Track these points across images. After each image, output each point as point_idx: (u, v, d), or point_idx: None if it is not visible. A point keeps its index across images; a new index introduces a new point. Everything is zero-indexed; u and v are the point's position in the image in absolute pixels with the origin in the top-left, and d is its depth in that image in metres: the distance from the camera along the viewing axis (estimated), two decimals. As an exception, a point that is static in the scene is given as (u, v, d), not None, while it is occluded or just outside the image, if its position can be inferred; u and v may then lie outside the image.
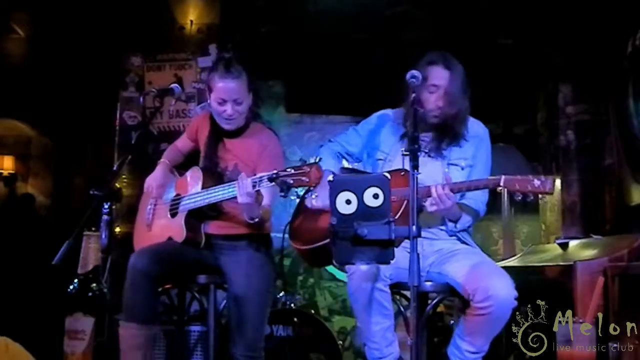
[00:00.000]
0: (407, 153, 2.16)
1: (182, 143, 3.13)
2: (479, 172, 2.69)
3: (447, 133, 2.70)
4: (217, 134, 2.91)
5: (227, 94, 2.76)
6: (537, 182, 2.39)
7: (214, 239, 2.84)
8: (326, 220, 2.61)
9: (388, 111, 2.88)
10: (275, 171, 2.42)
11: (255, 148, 2.83)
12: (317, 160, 2.40)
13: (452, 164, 2.68)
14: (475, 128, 2.77)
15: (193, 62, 5.32)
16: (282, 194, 2.41)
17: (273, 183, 2.43)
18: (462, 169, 2.68)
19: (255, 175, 2.68)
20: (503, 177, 2.43)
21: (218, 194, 2.69)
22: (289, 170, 2.39)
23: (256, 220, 2.65)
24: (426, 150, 2.64)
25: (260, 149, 2.82)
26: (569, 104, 4.95)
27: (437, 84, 2.63)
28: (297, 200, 3.00)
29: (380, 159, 2.78)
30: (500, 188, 4.17)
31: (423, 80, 2.54)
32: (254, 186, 2.51)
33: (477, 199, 2.68)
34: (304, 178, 2.36)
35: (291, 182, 2.37)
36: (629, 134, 4.08)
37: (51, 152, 5.84)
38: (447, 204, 2.44)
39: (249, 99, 2.84)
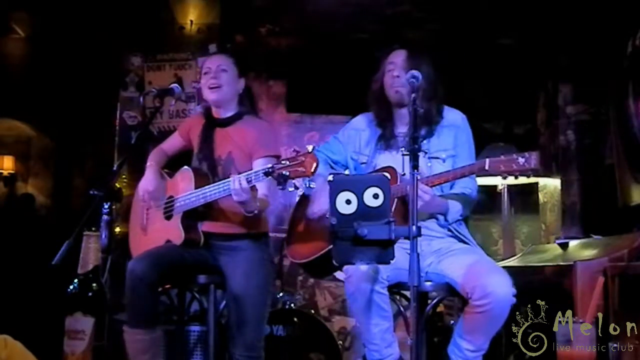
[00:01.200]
0: (407, 153, 2.16)
1: (169, 144, 3.11)
2: (462, 160, 2.66)
3: (421, 120, 2.68)
4: (211, 124, 2.93)
5: (212, 63, 2.90)
6: (521, 160, 2.38)
7: (212, 239, 2.83)
8: (320, 231, 2.62)
9: (365, 114, 2.90)
10: (270, 165, 2.41)
11: (250, 134, 2.83)
12: (310, 150, 2.38)
13: (433, 157, 2.67)
14: (452, 116, 2.75)
15: (193, 62, 5.33)
16: (280, 186, 2.39)
17: (269, 177, 2.41)
18: (444, 160, 2.66)
19: (251, 160, 2.69)
20: (488, 160, 2.42)
21: (214, 191, 2.67)
22: (284, 162, 2.38)
23: (255, 212, 2.64)
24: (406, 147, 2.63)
25: (256, 135, 2.81)
26: (569, 104, 4.95)
27: (393, 61, 2.72)
28: (298, 195, 2.98)
29: (363, 163, 2.79)
30: (500, 187, 4.18)
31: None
32: (249, 182, 2.50)
33: (466, 186, 2.67)
34: (300, 168, 2.34)
35: (287, 173, 2.36)
36: (629, 134, 4.08)
37: (51, 152, 5.84)
38: (425, 198, 2.43)
39: (237, 80, 2.90)
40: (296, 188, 2.42)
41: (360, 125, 2.88)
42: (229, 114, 2.92)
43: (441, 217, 2.63)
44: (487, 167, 2.42)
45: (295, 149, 2.42)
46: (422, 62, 2.68)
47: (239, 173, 2.59)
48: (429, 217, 2.65)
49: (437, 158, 2.67)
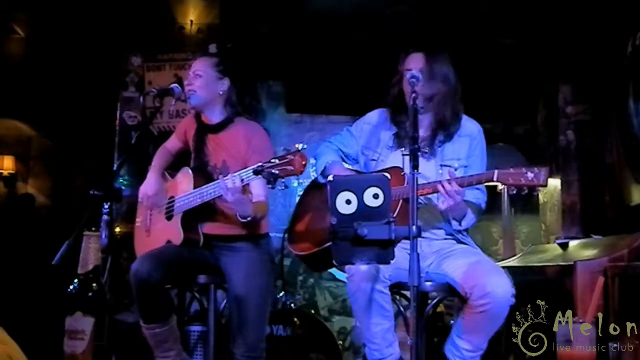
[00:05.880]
0: (408, 153, 2.15)
1: (172, 144, 3.12)
2: (474, 172, 2.63)
3: (439, 124, 2.68)
4: (202, 130, 2.93)
5: (191, 69, 2.92)
6: (530, 175, 2.38)
7: (212, 240, 2.84)
8: (324, 224, 2.62)
9: (381, 110, 2.87)
10: (259, 164, 2.40)
11: (241, 141, 2.82)
12: (300, 148, 2.37)
13: (444, 165, 2.66)
14: (469, 126, 2.74)
15: (193, 62, 5.32)
16: (270, 185, 2.39)
17: (259, 176, 2.41)
18: (456, 169, 2.64)
19: (244, 167, 2.69)
20: (496, 171, 2.42)
21: (210, 191, 2.68)
22: (273, 161, 2.37)
23: (249, 218, 2.63)
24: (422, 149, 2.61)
25: (246, 142, 2.80)
26: (569, 104, 4.95)
27: (410, 67, 2.64)
28: (297, 196, 2.98)
29: (373, 159, 2.77)
30: (500, 187, 4.15)
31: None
32: (241, 180, 2.49)
33: (476, 197, 2.67)
34: (289, 167, 2.33)
35: (277, 172, 2.35)
36: (629, 134, 4.08)
37: (51, 152, 5.84)
38: (457, 198, 2.43)
39: (215, 82, 2.88)
40: (286, 187, 2.42)
41: (374, 121, 2.85)
42: (218, 119, 2.90)
43: (454, 223, 2.62)
44: (495, 178, 2.42)
45: (285, 147, 2.42)
46: (441, 66, 2.66)
47: None
48: (438, 221, 2.65)
49: (449, 167, 2.66)
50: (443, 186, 2.42)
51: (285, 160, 2.34)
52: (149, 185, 2.93)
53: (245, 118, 2.92)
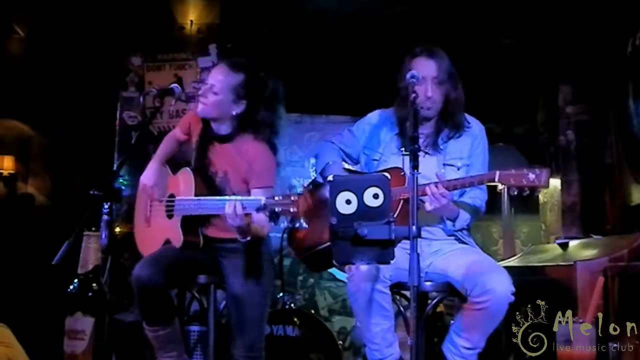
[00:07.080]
0: (407, 153, 2.15)
1: (179, 133, 3.04)
2: (475, 171, 2.66)
3: (446, 122, 2.68)
4: (207, 137, 2.87)
5: (210, 77, 2.77)
6: (531, 176, 2.38)
7: (212, 241, 2.83)
8: (323, 224, 2.62)
9: (382, 111, 2.87)
10: (263, 200, 2.39)
11: (243, 160, 2.77)
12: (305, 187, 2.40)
13: (447, 164, 2.66)
14: (471, 125, 2.75)
15: (193, 62, 5.34)
16: (272, 222, 2.40)
17: (261, 212, 2.40)
18: (458, 169, 2.65)
19: (245, 184, 2.70)
20: (498, 172, 2.43)
21: (211, 206, 2.65)
22: (277, 198, 2.36)
23: (248, 238, 2.60)
24: (424, 148, 2.61)
25: (248, 163, 2.75)
26: (569, 104, 4.95)
27: (423, 75, 2.60)
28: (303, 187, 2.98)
29: (375, 159, 2.77)
30: (500, 187, 4.16)
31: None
32: (244, 208, 2.47)
33: (476, 197, 2.67)
34: (291, 208, 2.33)
35: (279, 210, 2.35)
36: (629, 134, 4.08)
37: (51, 152, 5.83)
38: (443, 201, 2.43)
39: (230, 104, 2.75)
40: (289, 226, 2.43)
41: (375, 121, 2.85)
42: (224, 132, 2.83)
43: (449, 223, 2.62)
44: (496, 179, 2.43)
45: (290, 184, 2.43)
46: (449, 70, 2.66)
47: (233, 193, 2.58)
48: (438, 222, 2.65)
49: (452, 166, 2.67)
50: (429, 189, 2.42)
51: (289, 201, 2.34)
52: (146, 177, 2.91)
53: (253, 135, 2.79)
